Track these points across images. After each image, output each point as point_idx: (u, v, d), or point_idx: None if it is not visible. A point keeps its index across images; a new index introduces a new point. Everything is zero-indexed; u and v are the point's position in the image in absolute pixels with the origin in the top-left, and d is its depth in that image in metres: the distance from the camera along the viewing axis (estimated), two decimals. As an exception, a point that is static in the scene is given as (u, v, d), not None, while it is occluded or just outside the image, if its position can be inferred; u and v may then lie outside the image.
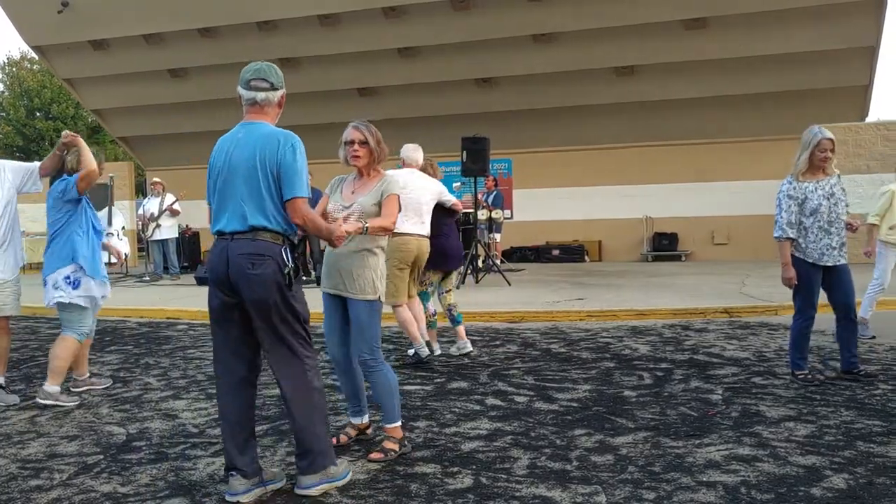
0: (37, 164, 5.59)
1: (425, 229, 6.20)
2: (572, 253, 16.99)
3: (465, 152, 11.99)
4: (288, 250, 3.46)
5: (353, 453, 4.07)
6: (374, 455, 3.97)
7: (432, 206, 6.34)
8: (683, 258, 16.66)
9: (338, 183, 4.29)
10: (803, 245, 5.37)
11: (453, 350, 6.82)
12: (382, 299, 4.12)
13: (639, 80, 15.93)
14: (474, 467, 3.80)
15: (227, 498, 3.40)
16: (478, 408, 4.97)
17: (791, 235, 5.35)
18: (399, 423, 4.09)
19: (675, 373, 5.84)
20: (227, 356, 3.53)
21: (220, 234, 3.49)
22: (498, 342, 7.42)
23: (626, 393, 5.26)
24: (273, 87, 3.57)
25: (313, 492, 3.46)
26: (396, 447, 4.02)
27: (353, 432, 4.31)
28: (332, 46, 16.31)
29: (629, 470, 3.71)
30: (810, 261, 5.35)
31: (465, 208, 13.71)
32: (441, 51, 16.08)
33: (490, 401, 5.13)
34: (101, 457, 4.10)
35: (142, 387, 5.82)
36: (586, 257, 17.07)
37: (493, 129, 14.11)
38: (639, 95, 15.97)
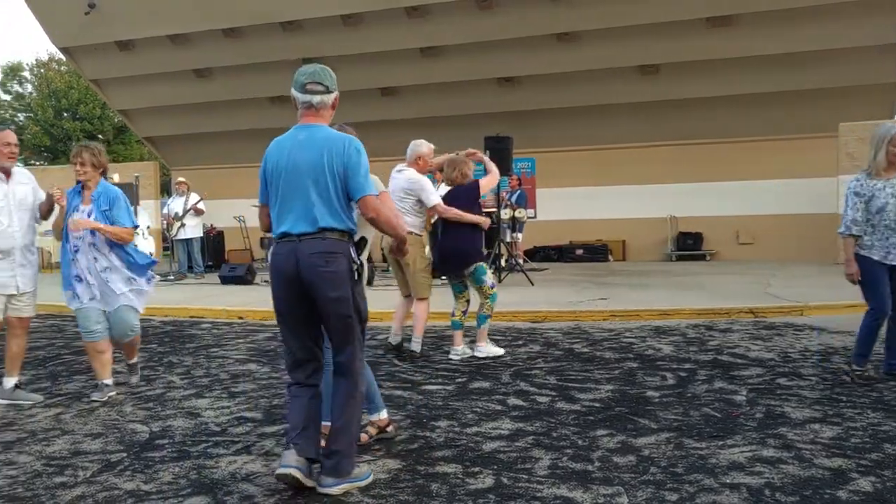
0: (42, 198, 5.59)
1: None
2: (596, 252, 16.89)
3: (488, 152, 11.94)
4: (354, 248, 3.61)
5: (373, 452, 4.06)
6: (362, 437, 4.11)
7: (406, 203, 6.50)
8: (708, 258, 16.51)
9: None
10: (868, 243, 5.30)
11: (480, 353, 6.68)
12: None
13: (663, 78, 15.81)
14: (495, 467, 3.79)
15: (280, 470, 3.47)
16: (499, 408, 4.95)
17: (855, 232, 5.30)
18: (384, 415, 4.32)
19: (699, 373, 5.79)
20: (298, 350, 3.64)
21: (285, 236, 3.56)
22: (520, 342, 7.39)
23: (649, 393, 5.22)
24: (328, 90, 3.65)
25: (335, 490, 3.49)
26: (375, 432, 4.26)
27: (373, 431, 4.30)
28: (355, 46, 16.34)
29: (651, 471, 3.68)
30: (876, 258, 5.28)
31: (486, 208, 13.74)
32: (464, 50, 16.06)
33: (512, 401, 5.12)
34: (125, 454, 4.13)
35: (165, 385, 5.86)
36: (610, 257, 16.98)
37: (516, 129, 14.06)
38: (663, 94, 15.85)
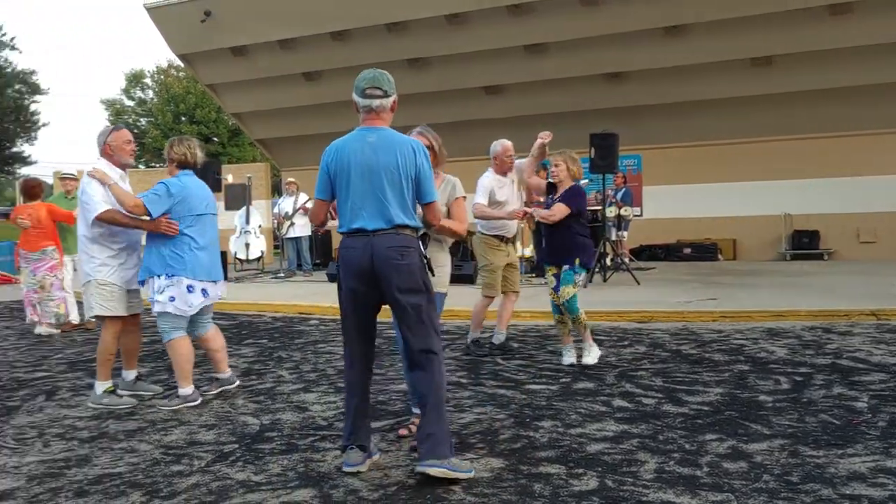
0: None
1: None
2: (705, 251, 16.39)
3: (593, 149, 11.82)
4: (422, 243, 3.87)
5: (475, 451, 4.07)
6: (402, 431, 4.39)
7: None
8: (826, 257, 15.75)
9: None
10: None
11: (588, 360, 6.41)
12: (447, 293, 4.53)
13: (776, 70, 15.18)
14: (600, 469, 3.73)
15: (346, 469, 3.73)
16: (604, 409, 4.87)
17: None
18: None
19: (816, 378, 5.53)
20: (358, 343, 3.89)
21: (360, 231, 3.75)
22: (626, 342, 7.25)
23: (762, 398, 5.02)
24: (386, 94, 3.83)
25: (432, 471, 3.56)
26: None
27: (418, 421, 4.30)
28: (460, 45, 16.42)
29: (764, 479, 3.54)
30: None
31: (590, 206, 13.55)
32: (568, 46, 15.89)
33: (617, 402, 5.02)
34: (237, 446, 4.28)
35: (275, 379, 6.04)
36: (719, 256, 16.44)
37: (622, 125, 13.82)
38: (777, 87, 15.21)
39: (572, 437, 4.28)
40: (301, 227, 14.96)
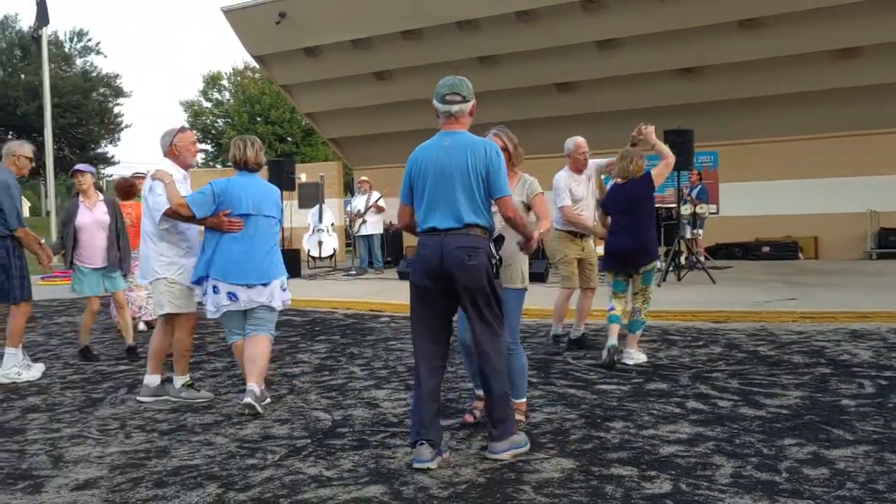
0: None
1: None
2: (784, 250, 15.92)
3: (667, 145, 11.58)
4: (492, 244, 3.96)
5: (546, 450, 4.03)
6: (466, 417, 4.56)
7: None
8: (914, 256, 15.13)
9: None
10: None
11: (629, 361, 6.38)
12: (527, 288, 4.57)
13: (863, 62, 14.59)
14: (673, 472, 3.65)
15: (416, 465, 3.79)
16: (678, 410, 4.77)
17: None
18: (524, 400, 4.58)
19: (903, 382, 5.31)
20: (428, 340, 4.00)
21: (432, 230, 3.92)
22: (700, 343, 7.10)
23: (844, 402, 4.85)
24: (465, 100, 4.00)
25: (505, 456, 3.86)
26: (524, 418, 4.48)
27: (479, 404, 4.54)
28: (531, 42, 16.32)
29: (847, 486, 3.41)
30: None
31: (665, 203, 13.34)
32: (642, 41, 15.63)
33: (691, 404, 4.92)
34: (309, 441, 4.34)
35: (346, 375, 6.11)
36: (800, 255, 15.94)
37: (697, 121, 13.53)
38: (863, 79, 14.64)
39: (645, 438, 4.21)
40: (373, 225, 15.10)
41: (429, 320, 3.99)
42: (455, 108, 3.97)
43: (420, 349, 4.00)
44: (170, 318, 5.40)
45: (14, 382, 6.08)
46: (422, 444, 3.81)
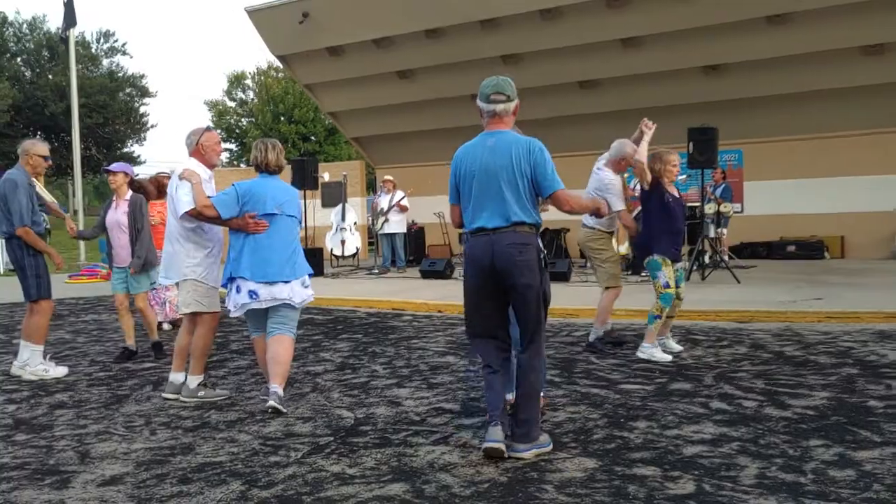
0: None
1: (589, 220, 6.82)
2: (810, 249, 15.75)
3: (691, 143, 11.53)
4: (540, 240, 4.06)
5: (568, 450, 4.02)
6: None
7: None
8: (944, 256, 14.91)
9: None
10: None
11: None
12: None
13: (890, 58, 14.40)
14: (697, 473, 3.62)
15: (487, 444, 3.90)
16: (702, 411, 4.74)
17: None
18: (542, 394, 4.47)
19: (932, 383, 5.24)
20: (487, 334, 4.12)
21: (481, 230, 4.02)
22: (725, 343, 7.04)
23: (872, 403, 4.79)
24: (509, 99, 4.07)
25: (528, 455, 3.90)
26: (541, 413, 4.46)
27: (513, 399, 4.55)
28: (553, 40, 16.27)
29: (874, 488, 3.37)
30: None
31: (690, 202, 13.22)
32: (666, 39, 15.52)
33: (715, 404, 4.88)
34: (332, 438, 4.36)
35: (369, 374, 6.12)
36: (826, 254, 15.76)
37: (721, 119, 13.42)
38: (890, 75, 14.42)
39: (668, 438, 4.18)
40: (396, 224, 15.13)
41: (485, 318, 4.11)
42: (500, 107, 4.05)
43: (481, 348, 4.18)
44: (193, 317, 5.44)
45: (42, 379, 6.17)
46: (495, 423, 3.94)
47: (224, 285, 5.28)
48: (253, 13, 18.99)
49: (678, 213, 6.53)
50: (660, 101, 16.21)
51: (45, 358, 6.40)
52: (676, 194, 6.62)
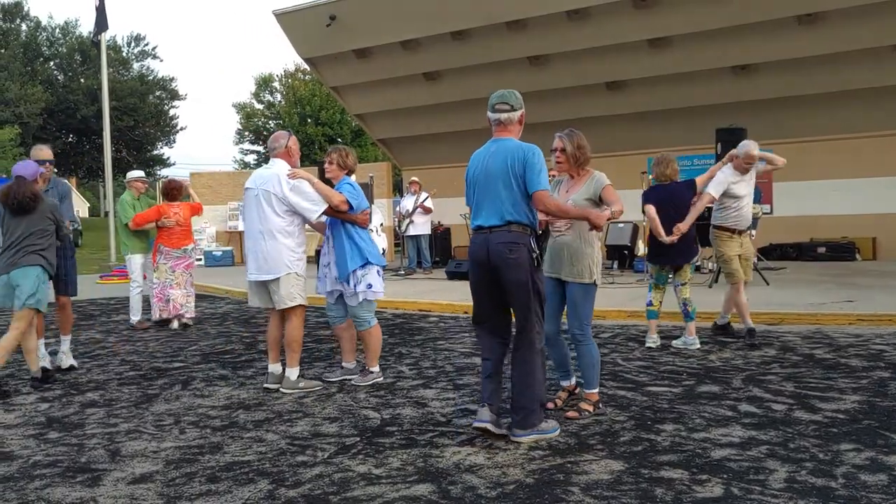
0: None
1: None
2: (841, 251, 15.54)
3: (719, 144, 11.42)
4: (534, 239, 4.24)
5: (595, 452, 4.01)
6: (570, 413, 4.71)
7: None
8: (978, 257, 14.64)
9: (556, 184, 5.05)
10: None
11: (677, 343, 6.97)
12: (598, 284, 4.84)
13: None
14: (725, 476, 3.59)
15: (476, 424, 4.25)
16: (730, 413, 4.70)
17: None
18: (596, 390, 4.87)
19: (966, 387, 5.15)
20: (487, 323, 4.41)
21: (479, 228, 4.31)
22: (754, 345, 6.97)
23: (904, 407, 4.72)
24: (513, 109, 4.38)
25: (524, 439, 4.17)
26: (591, 409, 4.77)
27: (563, 395, 5.02)
28: (580, 41, 16.21)
29: (907, 493, 3.32)
30: None
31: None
32: (694, 39, 15.41)
33: (744, 407, 4.84)
34: (358, 439, 4.38)
35: (395, 375, 6.14)
36: (857, 256, 15.55)
37: (750, 119, 13.31)
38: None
39: (696, 441, 4.15)
40: (421, 225, 15.15)
41: (485, 305, 4.38)
42: (504, 115, 4.35)
43: (480, 329, 4.47)
44: (286, 310, 5.66)
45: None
46: (483, 405, 4.27)
47: (349, 273, 5.69)
48: (281, 16, 19.13)
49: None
50: (688, 102, 16.11)
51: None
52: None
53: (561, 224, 4.81)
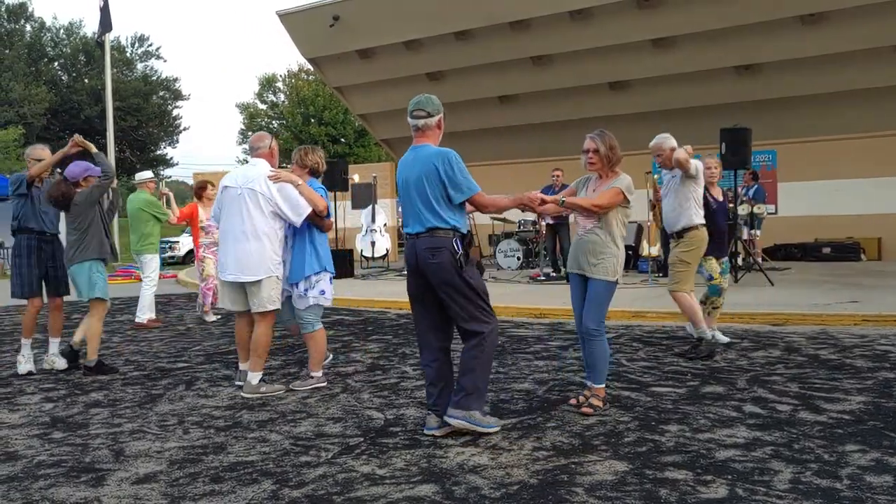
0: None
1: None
2: (846, 251, 15.52)
3: (723, 144, 11.40)
4: (458, 241, 4.28)
5: (599, 453, 4.00)
6: (585, 410, 4.75)
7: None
8: (983, 258, 14.61)
9: (584, 182, 5.02)
10: None
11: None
12: (619, 282, 4.89)
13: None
14: (729, 477, 3.58)
15: (425, 431, 4.38)
16: (734, 414, 4.68)
17: None
18: (604, 385, 4.93)
19: (972, 388, 5.13)
20: (425, 328, 4.49)
21: (409, 234, 4.43)
22: (758, 346, 6.96)
23: (910, 408, 4.70)
24: (429, 115, 4.43)
25: (454, 423, 4.27)
26: (602, 404, 4.84)
27: (588, 393, 4.94)
28: (583, 41, 16.21)
29: (912, 494, 3.31)
30: None
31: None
32: (698, 39, 15.40)
33: (748, 408, 4.82)
34: (362, 439, 4.38)
35: (399, 375, 6.14)
36: (862, 256, 15.53)
37: (755, 119, 13.30)
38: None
39: (700, 442, 4.14)
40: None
41: (423, 310, 4.47)
42: (421, 122, 4.41)
43: (420, 337, 4.54)
44: (259, 314, 5.61)
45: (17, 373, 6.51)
46: (429, 413, 4.42)
47: (304, 279, 5.67)
48: (284, 17, 19.16)
49: (718, 214, 6.88)
50: (691, 102, 16.10)
51: (21, 353, 6.64)
52: (720, 197, 7.00)
53: (588, 222, 4.82)
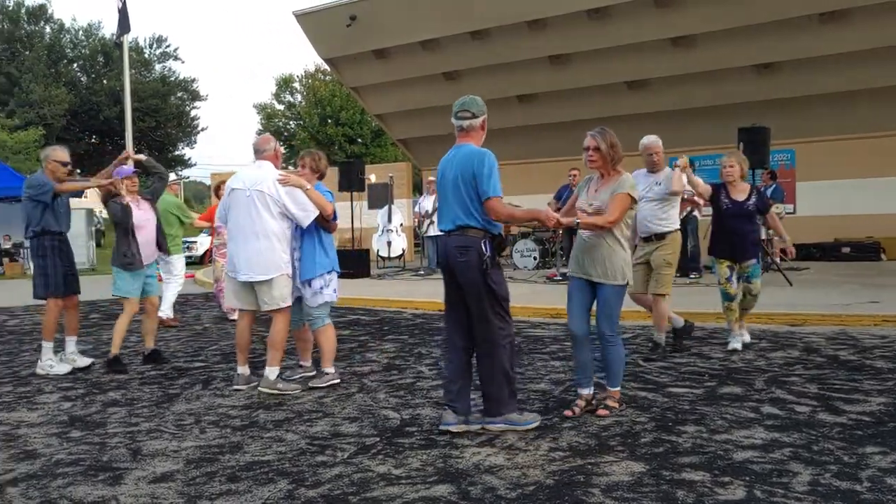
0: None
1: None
2: (866, 251, 15.37)
3: (741, 143, 11.32)
4: (488, 243, 4.35)
5: (616, 454, 3.98)
6: (601, 412, 4.72)
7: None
8: None
9: (586, 183, 4.99)
10: None
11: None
12: (630, 283, 4.88)
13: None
14: (747, 479, 3.55)
15: (441, 427, 4.44)
16: (752, 415, 4.65)
17: None
18: (619, 388, 4.90)
19: None
20: (451, 325, 4.58)
21: (442, 231, 4.52)
22: (776, 346, 6.90)
23: (931, 409, 4.64)
24: (474, 116, 4.51)
25: (494, 428, 4.39)
26: (618, 405, 4.82)
27: (582, 403, 4.82)
28: (601, 41, 16.16)
29: (934, 497, 3.26)
30: None
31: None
32: (716, 37, 15.31)
33: (766, 409, 4.78)
34: (378, 439, 4.38)
35: (415, 375, 6.14)
36: (882, 255, 15.37)
37: (773, 118, 13.20)
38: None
39: (718, 443, 4.11)
40: (441, 226, 15.11)
41: (451, 308, 4.56)
42: (465, 123, 4.49)
43: (445, 332, 4.65)
44: (270, 312, 5.71)
45: (47, 374, 6.48)
46: (446, 409, 4.50)
47: (314, 278, 5.75)
48: (301, 17, 19.22)
49: (728, 216, 6.71)
50: (710, 101, 16.00)
51: (55, 354, 6.66)
52: (740, 197, 6.69)
53: None
